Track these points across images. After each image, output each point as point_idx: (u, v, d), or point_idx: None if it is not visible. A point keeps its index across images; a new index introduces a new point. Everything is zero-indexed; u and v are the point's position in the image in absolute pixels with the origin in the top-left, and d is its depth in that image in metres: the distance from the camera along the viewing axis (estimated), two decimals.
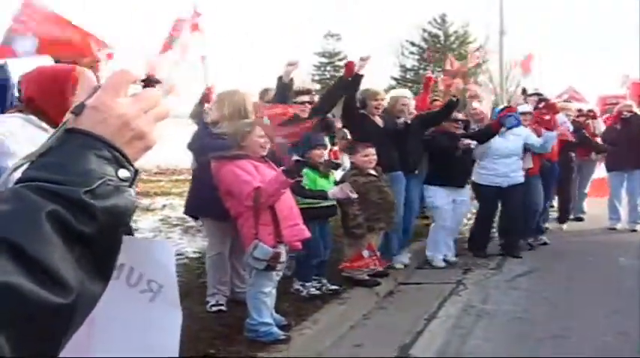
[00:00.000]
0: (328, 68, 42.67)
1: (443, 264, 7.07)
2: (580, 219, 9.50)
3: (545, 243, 8.08)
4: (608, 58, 41.12)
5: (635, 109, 9.19)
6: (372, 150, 6.08)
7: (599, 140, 9.35)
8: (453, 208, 7.07)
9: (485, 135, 7.24)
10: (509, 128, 7.10)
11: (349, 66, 6.62)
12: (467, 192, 7.29)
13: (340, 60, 39.21)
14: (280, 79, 6.05)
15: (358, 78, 6.50)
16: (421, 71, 37.13)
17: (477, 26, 38.70)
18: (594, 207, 10.06)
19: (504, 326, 5.28)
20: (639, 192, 8.95)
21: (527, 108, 8.05)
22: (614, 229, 8.87)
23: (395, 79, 36.51)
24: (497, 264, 7.24)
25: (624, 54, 38.12)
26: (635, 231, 8.73)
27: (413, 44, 41.68)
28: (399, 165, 6.67)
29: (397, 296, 6.14)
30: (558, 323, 5.20)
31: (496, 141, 7.23)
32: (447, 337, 5.00)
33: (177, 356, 1.20)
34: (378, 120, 6.71)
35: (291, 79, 6.10)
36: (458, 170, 7.01)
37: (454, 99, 7.00)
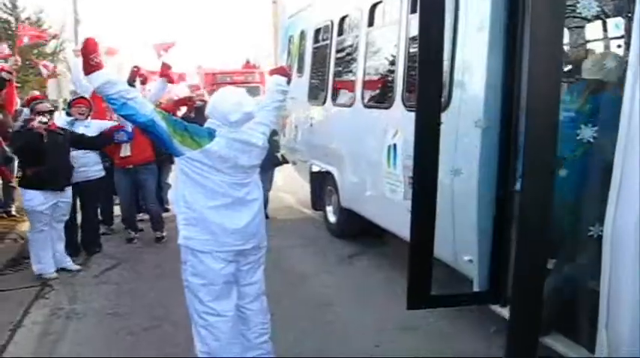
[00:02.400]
0: None
1: (55, 275, 6.30)
2: (166, 210, 9.68)
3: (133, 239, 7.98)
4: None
5: (207, 98, 9.75)
6: None
7: None
8: (53, 212, 6.27)
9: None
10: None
11: None
12: (69, 194, 6.44)
13: None
14: None
15: None
16: None
17: (53, 13, 37.16)
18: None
19: (96, 324, 5.17)
20: None
21: None
22: None
23: None
24: (85, 260, 7.03)
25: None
26: None
27: None
28: None
29: None
30: (150, 314, 5.32)
31: None
32: (36, 346, 4.71)
33: None
34: None
35: None
36: (57, 172, 6.22)
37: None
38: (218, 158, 3.63)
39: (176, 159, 3.70)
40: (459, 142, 4.46)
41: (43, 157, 6.09)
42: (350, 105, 7.02)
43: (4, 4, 38.91)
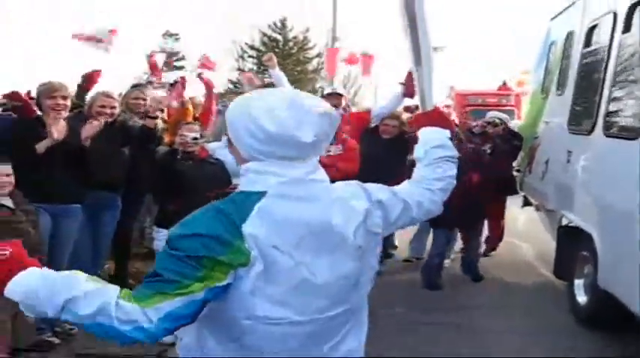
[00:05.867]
0: (164, 68, 40.31)
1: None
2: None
3: None
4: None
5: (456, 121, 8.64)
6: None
7: None
8: None
9: None
10: None
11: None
12: None
13: (178, 60, 37.71)
14: None
15: None
16: (260, 75, 36.09)
17: (317, 32, 38.26)
18: None
19: None
20: None
21: None
22: None
23: (233, 82, 34.70)
24: None
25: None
26: None
27: (252, 47, 40.42)
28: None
29: None
30: None
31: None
32: None
33: None
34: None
35: None
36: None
37: None
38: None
39: None
40: None
41: (186, 191, 4.56)
42: (634, 139, 4.50)
43: (274, 24, 41.09)
